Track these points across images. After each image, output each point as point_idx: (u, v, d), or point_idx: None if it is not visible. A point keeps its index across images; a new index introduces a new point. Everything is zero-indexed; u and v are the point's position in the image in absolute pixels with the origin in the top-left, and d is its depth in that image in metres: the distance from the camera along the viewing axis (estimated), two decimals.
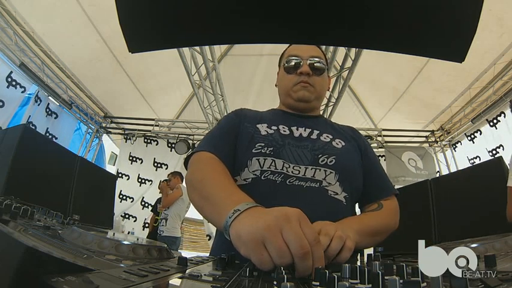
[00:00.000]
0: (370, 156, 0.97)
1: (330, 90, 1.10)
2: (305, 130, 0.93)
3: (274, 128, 0.91)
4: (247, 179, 0.84)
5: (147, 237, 4.48)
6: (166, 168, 5.53)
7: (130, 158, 5.60)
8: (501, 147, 4.05)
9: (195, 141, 5.45)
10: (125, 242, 0.47)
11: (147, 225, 5.23)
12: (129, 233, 5.14)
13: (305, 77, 0.94)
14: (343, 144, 0.92)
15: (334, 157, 0.85)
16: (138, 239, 0.58)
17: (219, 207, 0.63)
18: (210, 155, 0.84)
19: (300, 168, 0.82)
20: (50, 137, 4.36)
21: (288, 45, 1.04)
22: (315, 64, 0.95)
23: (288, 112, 1.01)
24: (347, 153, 0.90)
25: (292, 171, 0.81)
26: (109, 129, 5.86)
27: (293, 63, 0.96)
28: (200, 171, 0.81)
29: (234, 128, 0.94)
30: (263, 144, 0.86)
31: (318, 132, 0.93)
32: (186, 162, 0.90)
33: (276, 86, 1.08)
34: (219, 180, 0.75)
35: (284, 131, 0.91)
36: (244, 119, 0.96)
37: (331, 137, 0.92)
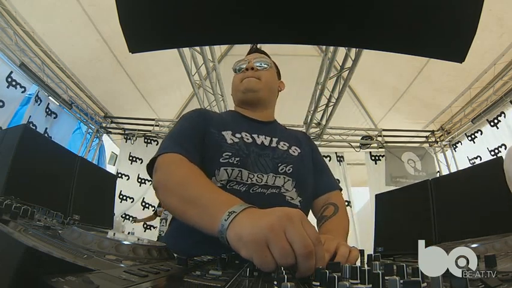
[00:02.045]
0: (319, 159, 1.13)
1: (282, 90, 1.18)
2: (265, 138, 0.99)
3: (238, 135, 0.95)
4: None
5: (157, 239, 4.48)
6: None
7: (130, 158, 5.58)
8: (503, 147, 4.03)
9: None
10: (125, 242, 0.47)
11: (146, 225, 5.22)
12: (129, 233, 5.14)
13: (250, 71, 1.04)
14: (299, 151, 1.01)
15: (292, 165, 0.95)
16: (138, 239, 0.58)
17: (209, 210, 0.61)
18: (180, 156, 0.80)
19: (263, 176, 0.89)
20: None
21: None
22: (260, 61, 1.07)
23: (246, 117, 1.06)
24: (302, 160, 1.00)
25: (256, 180, 0.88)
26: (109, 129, 5.86)
27: (241, 65, 1.08)
28: (175, 174, 0.77)
29: (199, 130, 0.93)
30: (230, 154, 0.88)
31: (277, 139, 1.01)
32: (150, 165, 0.84)
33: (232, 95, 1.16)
34: (200, 182, 0.73)
35: (247, 139, 0.96)
36: (209, 122, 0.97)
37: (287, 144, 1.01)
